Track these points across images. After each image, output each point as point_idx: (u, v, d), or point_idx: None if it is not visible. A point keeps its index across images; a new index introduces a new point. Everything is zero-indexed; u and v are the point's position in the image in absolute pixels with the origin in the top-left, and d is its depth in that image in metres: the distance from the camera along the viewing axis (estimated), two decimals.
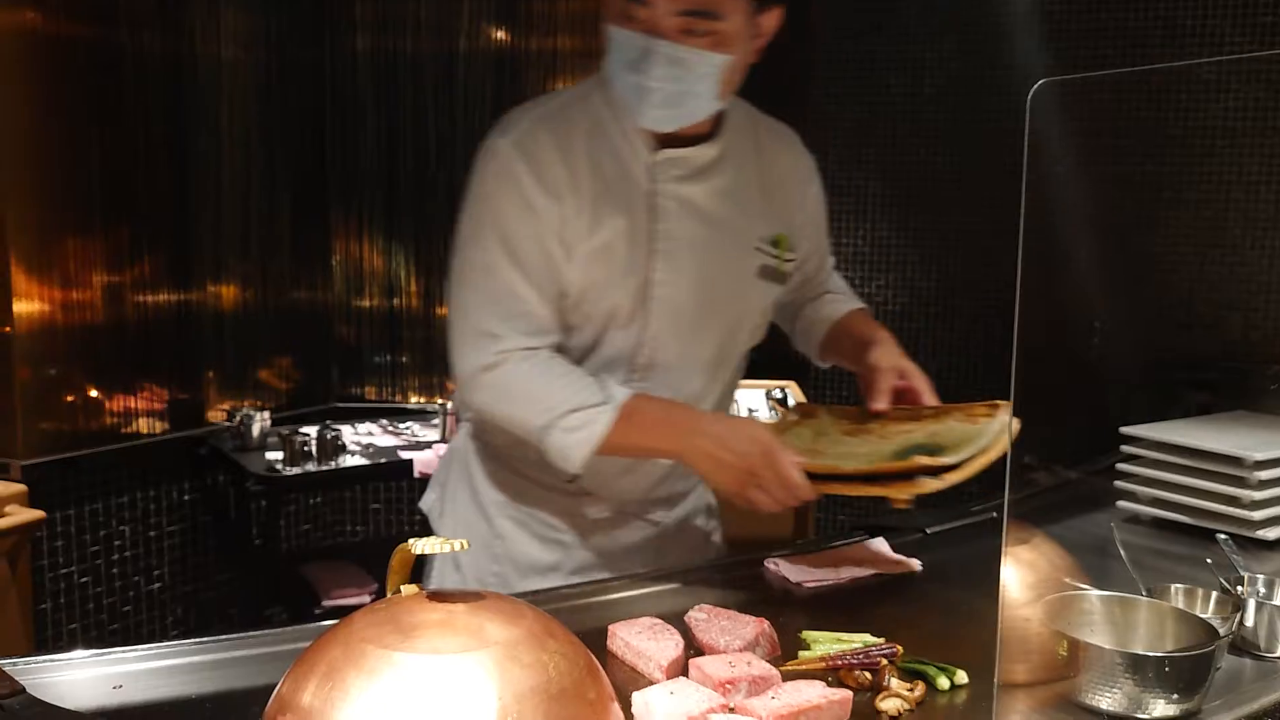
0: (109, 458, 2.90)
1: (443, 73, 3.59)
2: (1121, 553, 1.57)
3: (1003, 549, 1.19)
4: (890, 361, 1.81)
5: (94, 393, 2.91)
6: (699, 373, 1.81)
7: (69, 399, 2.85)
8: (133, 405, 3.00)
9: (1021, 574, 1.43)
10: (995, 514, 2.11)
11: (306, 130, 3.56)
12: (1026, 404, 1.48)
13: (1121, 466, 2.14)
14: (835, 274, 2.19)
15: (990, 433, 1.62)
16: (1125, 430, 2.15)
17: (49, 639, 2.76)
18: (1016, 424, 1.49)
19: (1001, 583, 1.22)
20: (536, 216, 1.65)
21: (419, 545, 1.18)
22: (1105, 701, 1.26)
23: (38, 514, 2.53)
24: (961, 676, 1.35)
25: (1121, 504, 2.13)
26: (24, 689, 1.26)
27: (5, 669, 1.31)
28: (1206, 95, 4.17)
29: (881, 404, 1.76)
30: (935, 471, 1.55)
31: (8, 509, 2.50)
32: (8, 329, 2.71)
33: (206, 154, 3.18)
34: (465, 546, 1.16)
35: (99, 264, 2.91)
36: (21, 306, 2.73)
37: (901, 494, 1.57)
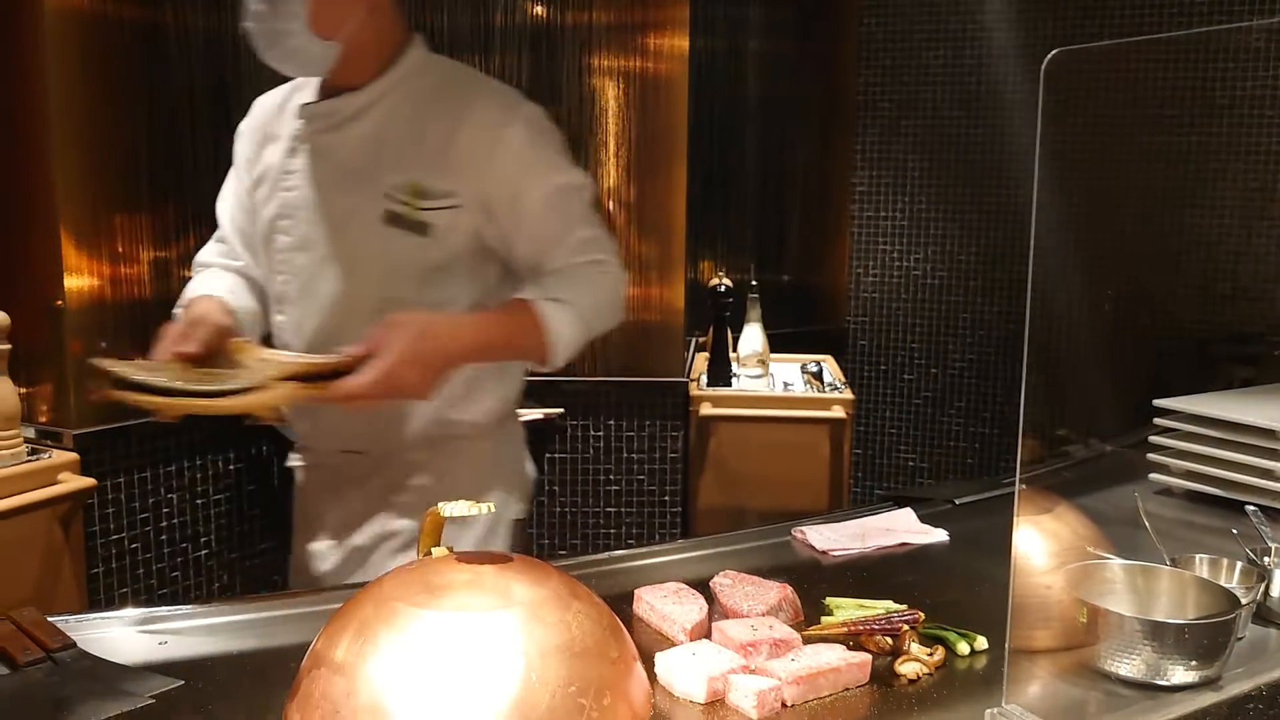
0: (157, 428, 2.98)
1: (479, 47, 3.61)
2: (1145, 521, 1.57)
3: (1016, 500, 1.20)
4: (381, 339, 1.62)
5: None
6: (333, 311, 1.80)
7: None
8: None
9: (1044, 542, 1.45)
10: (1025, 486, 2.11)
11: None
12: (1055, 377, 1.48)
13: (1154, 439, 2.13)
14: (593, 276, 1.81)
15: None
16: (1159, 403, 2.14)
17: (101, 602, 2.85)
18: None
19: (1014, 542, 1.23)
20: (237, 164, 1.99)
21: (448, 509, 1.22)
22: (1124, 668, 1.27)
23: (89, 481, 2.61)
24: (981, 642, 1.37)
25: (1154, 477, 2.12)
26: (74, 643, 1.32)
27: (56, 624, 1.37)
28: (1252, 62, 4.09)
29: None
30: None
31: (60, 476, 2.58)
32: (60, 302, 2.79)
33: None
34: (493, 509, 1.20)
35: (147, 241, 2.98)
36: (72, 282, 2.81)
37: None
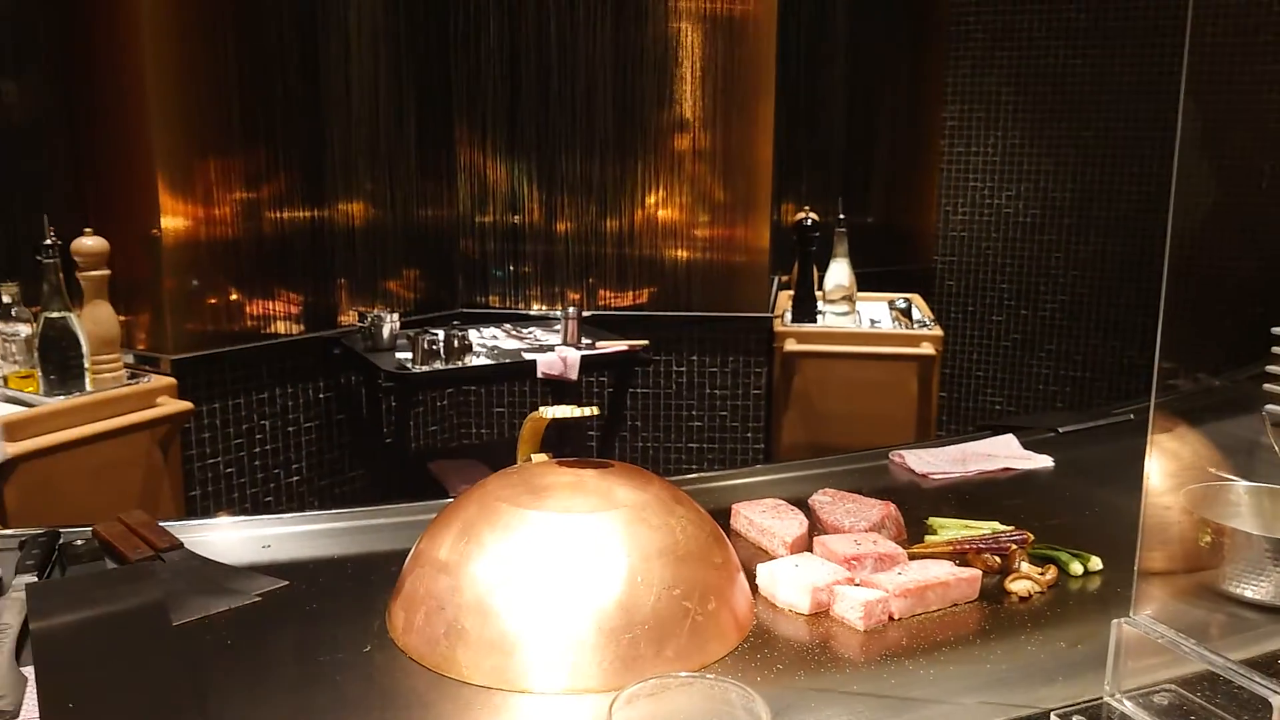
0: (250, 355, 3.04)
1: None
2: (1272, 442, 1.50)
3: (1150, 416, 1.14)
4: None
5: (235, 296, 3.04)
6: None
7: (212, 301, 2.99)
8: (270, 308, 3.12)
9: (1164, 463, 1.38)
10: (1132, 416, 2.03)
11: (431, 44, 3.59)
12: (1177, 310, 1.40)
13: (1271, 368, 2.03)
14: None
15: None
16: (1277, 330, 2.03)
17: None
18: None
19: (1146, 461, 1.18)
20: None
21: (550, 412, 1.21)
22: (1250, 590, 1.21)
23: (186, 405, 2.67)
24: (1096, 562, 1.32)
25: (1269, 408, 2.02)
26: (181, 543, 1.34)
27: (164, 527, 1.40)
28: None
29: None
30: None
31: (159, 400, 2.65)
32: (156, 231, 2.84)
33: (335, 71, 3.24)
34: (596, 411, 1.18)
35: (238, 182, 3.02)
36: (168, 221, 2.86)
37: None
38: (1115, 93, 4.22)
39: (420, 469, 3.13)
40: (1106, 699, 0.98)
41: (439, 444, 3.73)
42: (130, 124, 2.85)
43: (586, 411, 1.18)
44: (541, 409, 1.22)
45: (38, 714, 0.96)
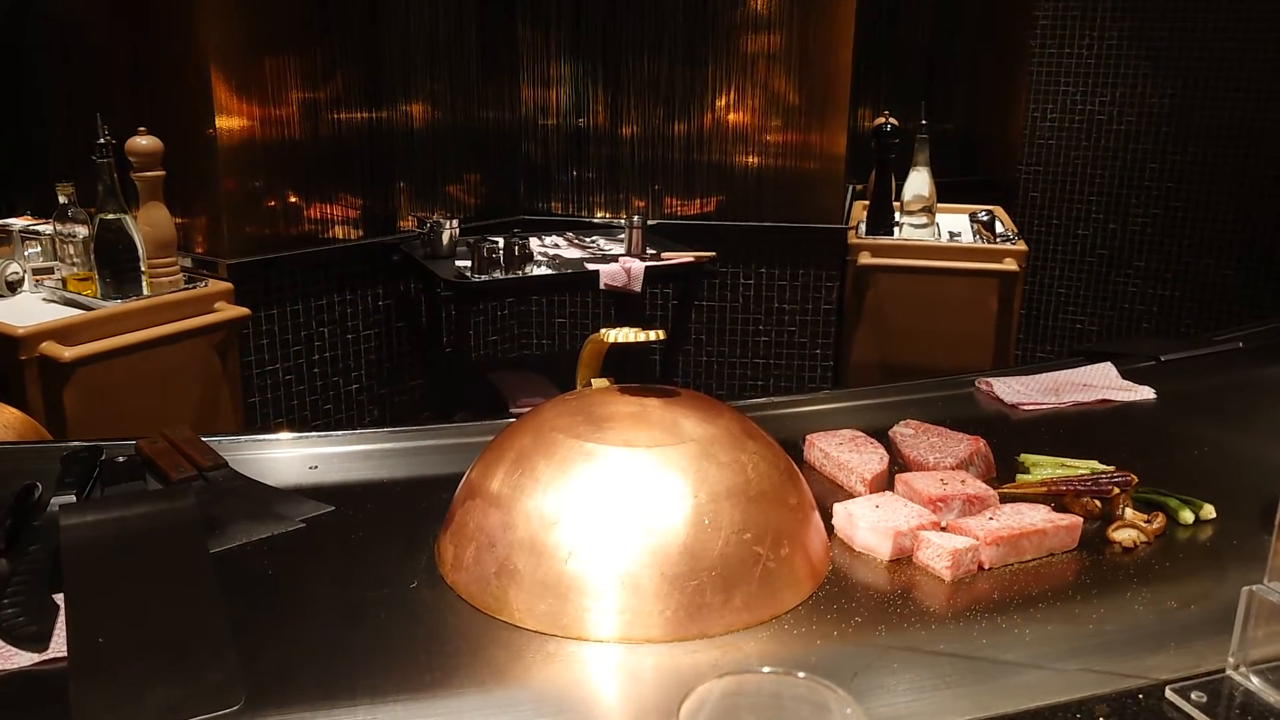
0: (308, 260, 2.98)
1: None
2: None
3: None
4: None
5: (293, 199, 2.97)
6: None
7: (270, 205, 2.92)
8: (329, 212, 3.05)
9: None
10: (1241, 344, 1.88)
11: None
12: None
13: None
14: None
15: None
16: None
17: (258, 431, 2.91)
18: None
19: None
20: None
21: (612, 334, 1.10)
22: None
23: (243, 311, 2.63)
24: (1209, 511, 1.20)
25: None
26: (226, 463, 1.28)
27: (209, 444, 1.34)
28: None
29: None
30: None
31: (216, 305, 2.61)
32: (211, 131, 2.77)
33: None
34: (662, 336, 1.08)
35: (295, 82, 2.92)
36: (223, 121, 2.78)
37: None
38: None
39: (480, 379, 3.07)
40: (1230, 672, 0.88)
41: (499, 354, 3.67)
42: (184, 20, 2.76)
43: (651, 335, 1.08)
44: (603, 330, 1.12)
45: (66, 647, 0.90)
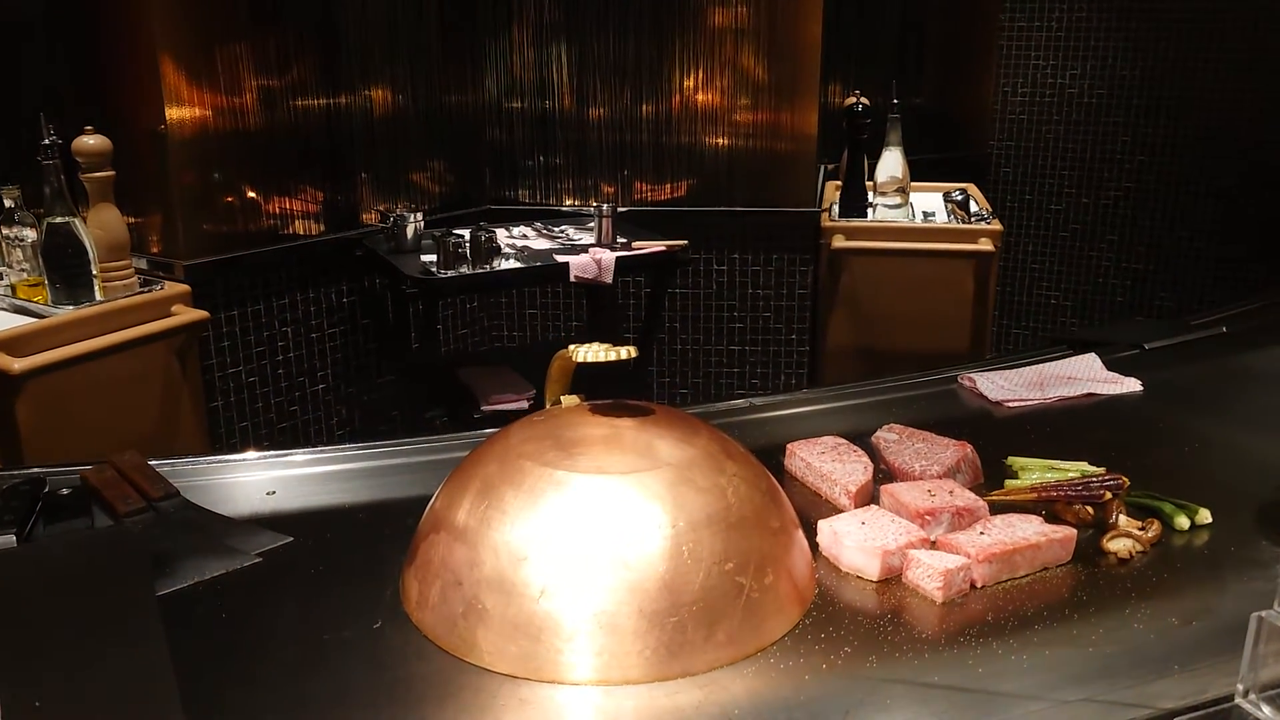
0: (267, 258, 2.89)
1: None
2: None
3: None
4: None
5: (250, 195, 2.88)
6: None
7: (227, 201, 2.83)
8: (288, 207, 2.96)
9: None
10: (1225, 328, 1.84)
11: None
12: None
13: None
14: None
15: None
16: None
17: (222, 436, 2.84)
18: None
19: None
20: None
21: (581, 352, 1.04)
22: None
23: (202, 314, 2.54)
24: (1205, 515, 1.16)
25: None
26: (178, 491, 1.21)
27: (159, 470, 1.27)
28: None
29: None
30: None
31: (174, 308, 2.52)
32: (162, 127, 2.67)
33: None
34: (634, 354, 1.02)
35: (249, 68, 2.82)
36: (175, 113, 2.68)
37: None
38: None
39: (451, 376, 3.00)
40: (1239, 700, 0.84)
41: (470, 348, 3.59)
42: (130, 8, 2.65)
43: (623, 353, 1.02)
44: (571, 348, 1.06)
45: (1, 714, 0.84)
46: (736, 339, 3.56)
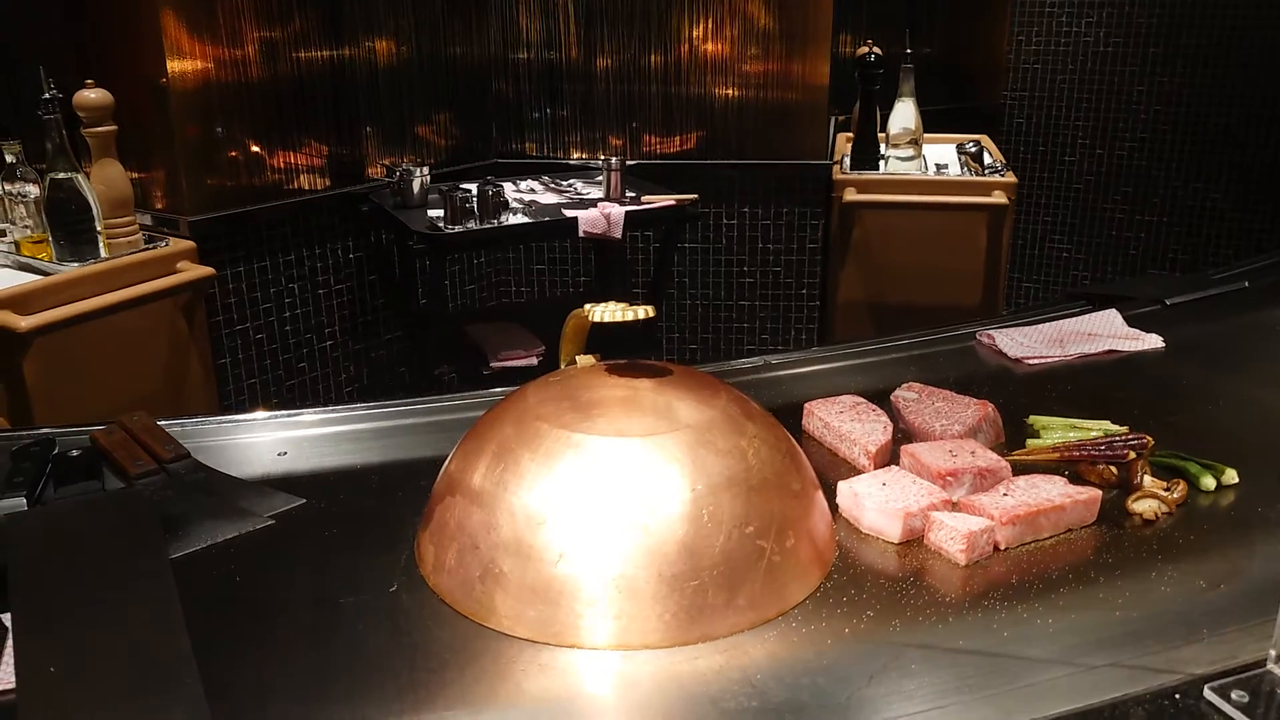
0: (273, 213, 2.85)
1: None
2: None
3: None
4: None
5: (255, 149, 2.84)
6: None
7: (231, 155, 2.79)
8: (293, 161, 2.92)
9: None
10: (1247, 283, 1.81)
11: None
12: None
13: None
14: None
15: None
16: None
17: (230, 393, 2.82)
18: None
19: None
20: None
21: (597, 312, 1.02)
22: None
23: (208, 270, 2.51)
24: (1231, 475, 1.14)
25: None
26: (188, 453, 1.20)
27: (169, 431, 1.25)
28: None
29: None
30: None
31: (179, 265, 2.49)
32: (164, 80, 2.62)
33: None
34: (651, 314, 1.00)
35: (250, 19, 2.77)
36: (177, 66, 2.63)
37: None
38: None
39: (460, 332, 2.97)
40: (1271, 666, 0.82)
41: (478, 303, 3.57)
42: None
43: (639, 313, 1.00)
44: (586, 306, 1.03)
45: (14, 675, 0.83)
46: (746, 294, 3.52)
